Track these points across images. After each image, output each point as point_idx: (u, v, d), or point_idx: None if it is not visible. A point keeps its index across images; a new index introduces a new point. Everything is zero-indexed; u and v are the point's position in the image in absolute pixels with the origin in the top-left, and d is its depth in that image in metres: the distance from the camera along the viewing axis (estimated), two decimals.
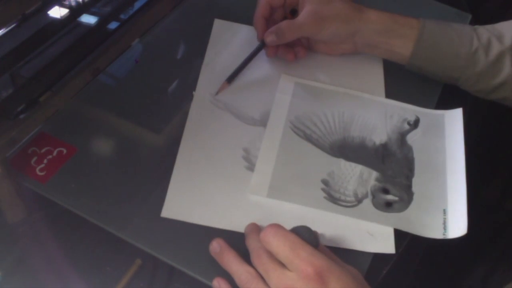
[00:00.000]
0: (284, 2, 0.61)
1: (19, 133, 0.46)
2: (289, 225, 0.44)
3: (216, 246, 0.45)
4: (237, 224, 0.48)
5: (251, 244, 0.44)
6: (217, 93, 0.58)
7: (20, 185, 0.48)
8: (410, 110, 0.60)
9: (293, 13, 0.62)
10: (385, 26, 0.59)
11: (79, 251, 0.47)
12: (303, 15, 0.58)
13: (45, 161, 0.50)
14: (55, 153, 0.51)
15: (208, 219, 0.48)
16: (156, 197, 0.49)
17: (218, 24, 0.67)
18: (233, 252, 0.44)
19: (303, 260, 0.40)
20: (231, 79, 0.60)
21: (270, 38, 0.59)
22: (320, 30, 0.59)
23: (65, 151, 0.52)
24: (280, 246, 0.41)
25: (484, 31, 0.59)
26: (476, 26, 0.60)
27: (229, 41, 0.65)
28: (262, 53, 0.62)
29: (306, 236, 0.43)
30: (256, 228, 0.46)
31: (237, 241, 0.46)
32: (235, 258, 0.43)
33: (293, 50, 0.63)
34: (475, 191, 0.52)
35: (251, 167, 0.52)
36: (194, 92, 0.58)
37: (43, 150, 0.51)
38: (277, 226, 0.43)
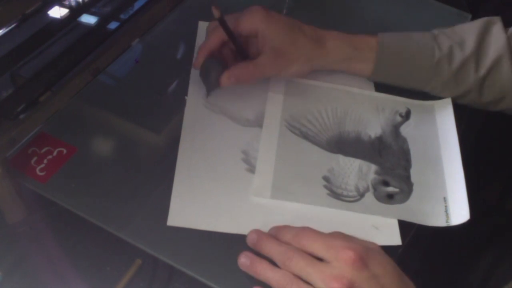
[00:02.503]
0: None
1: (19, 133, 0.46)
2: (293, 224, 0.46)
3: (246, 259, 0.44)
4: (243, 227, 0.47)
5: (272, 249, 0.44)
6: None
7: (20, 185, 0.48)
8: (400, 102, 0.61)
9: (241, 51, 0.57)
10: (344, 56, 0.59)
11: (79, 251, 0.47)
12: (265, 56, 0.55)
13: (45, 161, 0.50)
14: (55, 153, 0.51)
15: (214, 224, 0.48)
16: (156, 197, 0.49)
17: (203, 27, 0.65)
18: (264, 260, 0.44)
19: (340, 248, 0.41)
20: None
21: (228, 82, 0.55)
22: (281, 70, 0.57)
23: (65, 151, 0.52)
24: (316, 242, 0.42)
25: (445, 38, 0.58)
26: (437, 32, 0.59)
27: None
28: None
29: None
30: (264, 234, 0.46)
31: (241, 243, 0.46)
32: (268, 265, 0.43)
33: None
34: (475, 192, 0.52)
35: (251, 169, 0.52)
36: (186, 97, 0.58)
37: (43, 150, 0.51)
38: (305, 228, 0.45)
